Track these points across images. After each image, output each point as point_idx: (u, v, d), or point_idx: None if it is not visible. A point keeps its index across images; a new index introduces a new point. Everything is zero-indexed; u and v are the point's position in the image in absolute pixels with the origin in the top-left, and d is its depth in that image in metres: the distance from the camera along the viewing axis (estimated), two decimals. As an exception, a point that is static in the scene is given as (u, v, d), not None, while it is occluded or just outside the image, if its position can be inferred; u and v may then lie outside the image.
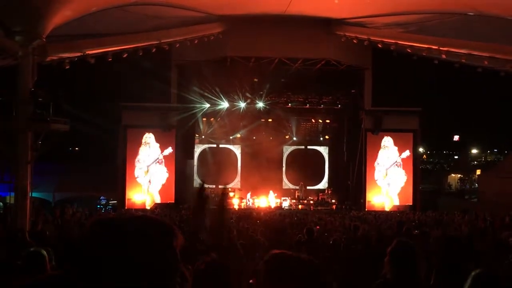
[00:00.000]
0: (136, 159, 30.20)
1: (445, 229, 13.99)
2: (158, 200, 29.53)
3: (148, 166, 30.11)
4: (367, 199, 30.75)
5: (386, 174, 31.04)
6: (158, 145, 30.28)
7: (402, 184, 31.13)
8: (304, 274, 1.79)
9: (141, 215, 1.64)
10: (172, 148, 30.23)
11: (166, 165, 30.23)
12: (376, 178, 31.11)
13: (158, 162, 30.25)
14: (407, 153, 31.26)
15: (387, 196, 30.84)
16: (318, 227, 15.25)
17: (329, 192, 34.14)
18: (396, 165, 31.26)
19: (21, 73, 17.04)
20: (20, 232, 9.19)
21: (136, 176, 30.11)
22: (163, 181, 30.16)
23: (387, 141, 31.21)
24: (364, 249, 8.04)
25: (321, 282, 1.81)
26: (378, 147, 31.06)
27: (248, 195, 31.98)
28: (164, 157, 30.21)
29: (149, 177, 30.13)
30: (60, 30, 17.92)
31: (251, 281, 1.99)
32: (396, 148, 31.29)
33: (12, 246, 7.57)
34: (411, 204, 30.66)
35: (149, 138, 30.25)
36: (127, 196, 29.62)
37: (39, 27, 16.75)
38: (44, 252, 4.08)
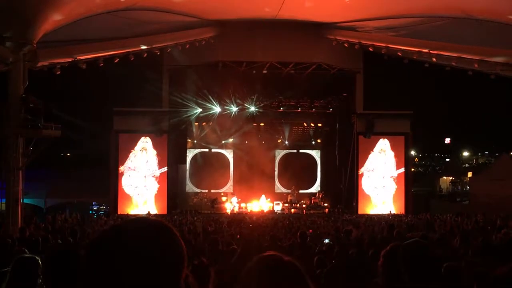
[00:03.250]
0: (127, 167, 29.83)
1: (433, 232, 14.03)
2: (152, 211, 29.06)
3: (145, 176, 29.88)
4: (360, 203, 30.83)
5: (383, 181, 31.07)
6: (155, 152, 30.09)
7: (393, 192, 31.16)
8: (285, 275, 1.82)
9: (142, 218, 1.72)
10: (165, 158, 30.19)
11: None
12: (368, 186, 31.11)
13: (153, 176, 30.09)
14: (401, 170, 31.32)
15: (380, 205, 30.85)
16: (311, 230, 15.29)
17: (320, 195, 34.17)
18: (391, 177, 31.26)
19: (12, 79, 17.04)
20: (10, 239, 9.14)
21: (125, 185, 29.69)
22: (155, 192, 30.02)
23: (384, 145, 31.20)
24: (356, 252, 8.05)
25: (303, 283, 1.84)
26: (370, 150, 31.07)
27: (234, 200, 31.87)
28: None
29: (143, 188, 29.83)
30: (50, 35, 17.90)
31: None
32: (393, 153, 31.32)
33: (2, 253, 7.53)
34: (404, 209, 30.62)
35: (146, 143, 29.99)
36: (119, 207, 29.31)
37: (30, 33, 16.74)
38: (36, 258, 4.06)
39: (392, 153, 31.16)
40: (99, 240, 1.63)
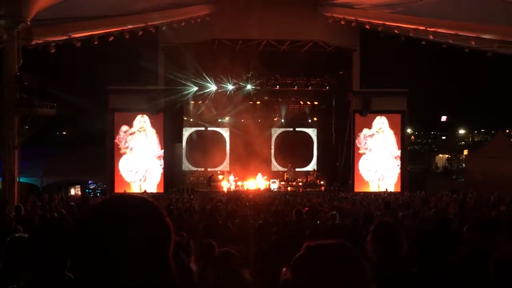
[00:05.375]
0: (123, 149, 29.55)
1: (433, 210, 14.09)
2: (149, 189, 28.90)
3: (146, 158, 29.64)
4: (356, 181, 30.92)
5: (381, 159, 31.07)
6: (154, 131, 29.94)
7: (390, 170, 31.20)
8: (342, 260, 1.78)
9: (128, 195, 1.71)
10: (161, 137, 30.10)
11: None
12: (365, 165, 31.12)
13: (157, 157, 29.90)
14: (398, 148, 31.33)
15: (377, 183, 30.91)
16: (307, 208, 15.32)
17: (315, 174, 34.28)
18: (391, 155, 31.31)
19: (6, 57, 16.92)
20: (7, 217, 9.15)
21: (124, 171, 29.45)
22: (161, 171, 29.88)
23: (382, 123, 31.17)
24: (352, 230, 8.10)
25: (360, 264, 1.80)
26: (368, 128, 31.00)
27: (231, 178, 31.90)
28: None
29: (144, 173, 29.57)
30: (45, 13, 17.73)
31: (284, 269, 1.98)
32: (392, 132, 31.28)
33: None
34: (400, 187, 30.75)
35: (144, 122, 29.80)
36: (116, 185, 29.26)
37: (24, 10, 16.58)
38: (27, 238, 4.05)
39: (390, 132, 31.14)
40: (82, 220, 1.63)
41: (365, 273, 1.79)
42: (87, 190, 31.19)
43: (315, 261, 1.80)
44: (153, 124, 29.80)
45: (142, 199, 1.67)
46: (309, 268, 1.80)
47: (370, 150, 31.00)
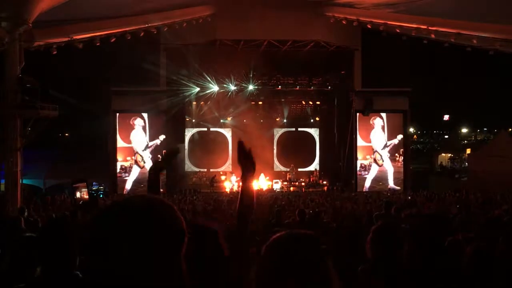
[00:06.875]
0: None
1: (435, 209, 14.09)
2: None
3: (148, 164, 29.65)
4: (359, 181, 30.95)
5: (382, 160, 31.09)
6: (157, 132, 29.99)
7: (399, 176, 31.21)
8: (302, 249, 1.79)
9: (141, 195, 1.71)
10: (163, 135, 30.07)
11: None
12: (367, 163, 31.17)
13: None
14: (400, 147, 31.38)
15: (379, 182, 30.96)
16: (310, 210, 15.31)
17: (317, 174, 34.28)
18: (397, 156, 31.36)
19: (8, 59, 16.95)
20: (14, 219, 9.16)
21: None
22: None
23: (384, 122, 31.21)
24: (354, 230, 8.09)
25: (320, 254, 1.80)
26: (370, 128, 31.04)
27: (233, 178, 31.87)
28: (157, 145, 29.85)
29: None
30: (46, 15, 17.77)
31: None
32: (394, 131, 31.35)
33: (7, 233, 7.56)
34: (402, 186, 30.79)
35: (145, 123, 29.89)
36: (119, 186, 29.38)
37: (25, 13, 16.61)
38: (35, 238, 4.06)
39: (392, 131, 31.15)
40: (98, 218, 1.63)
41: (321, 265, 1.78)
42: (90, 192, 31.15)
43: (274, 251, 1.81)
44: (153, 125, 29.84)
45: (155, 199, 1.68)
46: (269, 258, 1.81)
47: (372, 149, 31.03)
